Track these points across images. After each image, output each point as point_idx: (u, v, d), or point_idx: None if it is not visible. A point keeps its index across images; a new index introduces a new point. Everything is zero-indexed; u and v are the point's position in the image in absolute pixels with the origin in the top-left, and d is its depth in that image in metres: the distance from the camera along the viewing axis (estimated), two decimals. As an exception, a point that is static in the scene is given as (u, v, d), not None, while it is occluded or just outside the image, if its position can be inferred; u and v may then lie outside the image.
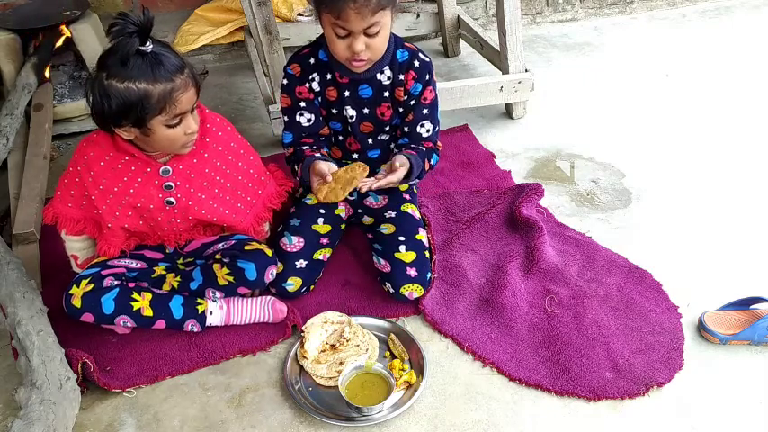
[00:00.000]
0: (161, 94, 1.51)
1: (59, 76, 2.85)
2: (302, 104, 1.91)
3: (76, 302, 1.69)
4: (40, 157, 2.37)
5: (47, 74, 2.72)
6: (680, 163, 2.49)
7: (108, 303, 1.70)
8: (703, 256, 2.03)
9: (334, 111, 1.93)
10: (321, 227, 1.97)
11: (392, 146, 2.03)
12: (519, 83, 2.66)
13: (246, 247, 1.81)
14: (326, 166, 1.79)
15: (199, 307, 1.79)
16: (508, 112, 2.81)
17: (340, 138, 2.02)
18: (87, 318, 1.71)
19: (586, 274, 1.97)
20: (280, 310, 1.81)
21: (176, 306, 1.78)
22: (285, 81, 1.91)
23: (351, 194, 2.06)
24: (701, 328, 1.77)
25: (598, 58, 3.34)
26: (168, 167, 1.70)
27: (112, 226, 1.72)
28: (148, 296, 1.76)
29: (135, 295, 1.74)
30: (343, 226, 2.07)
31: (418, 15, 3.30)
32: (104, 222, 1.72)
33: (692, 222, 2.18)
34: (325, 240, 1.96)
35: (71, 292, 1.70)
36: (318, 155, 1.88)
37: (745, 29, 3.57)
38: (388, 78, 1.87)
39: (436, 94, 1.95)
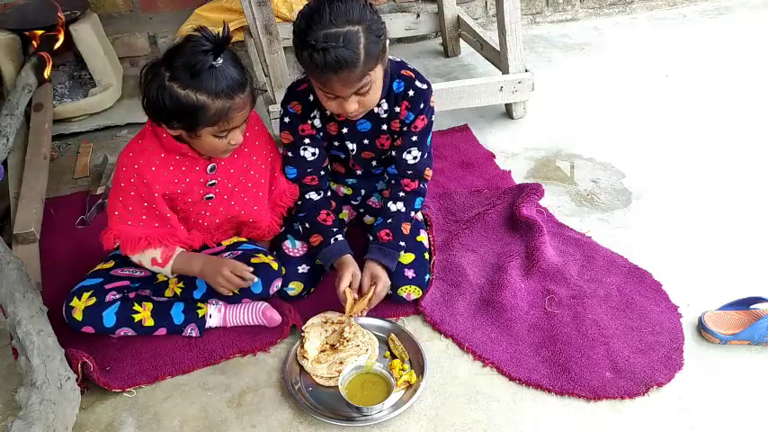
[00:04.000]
0: (218, 110, 1.53)
1: (59, 76, 2.86)
2: (306, 141, 1.87)
3: (77, 316, 1.69)
4: (40, 157, 2.37)
5: (47, 74, 2.72)
6: (680, 163, 2.49)
7: (109, 317, 1.71)
8: (703, 256, 2.03)
9: (336, 143, 1.92)
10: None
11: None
12: (519, 83, 2.66)
13: (253, 260, 1.79)
14: (354, 270, 1.80)
15: (199, 311, 1.80)
16: (508, 112, 2.81)
17: (341, 163, 2.02)
18: (87, 330, 1.71)
19: (586, 274, 1.97)
20: (272, 318, 1.80)
21: (177, 313, 1.78)
22: (287, 119, 1.85)
23: (355, 199, 2.07)
24: (701, 328, 1.77)
25: (598, 58, 3.34)
26: (214, 164, 1.72)
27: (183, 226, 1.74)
28: (149, 306, 1.76)
29: (136, 306, 1.74)
30: (345, 229, 2.07)
31: (418, 15, 3.30)
32: (176, 227, 1.72)
33: (692, 222, 2.18)
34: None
35: (72, 304, 1.70)
36: (341, 238, 1.86)
37: (745, 29, 3.57)
38: (385, 111, 1.83)
39: (430, 123, 1.88)
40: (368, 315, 1.83)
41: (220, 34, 1.51)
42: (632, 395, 1.62)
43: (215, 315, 1.81)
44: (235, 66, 1.55)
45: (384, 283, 1.81)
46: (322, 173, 1.92)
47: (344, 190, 2.08)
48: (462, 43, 3.29)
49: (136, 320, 1.73)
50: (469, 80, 2.67)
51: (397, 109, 1.83)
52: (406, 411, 1.59)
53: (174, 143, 1.64)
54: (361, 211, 2.08)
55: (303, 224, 1.90)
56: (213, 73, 1.50)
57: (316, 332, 1.77)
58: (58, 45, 2.75)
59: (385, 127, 1.87)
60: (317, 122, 1.86)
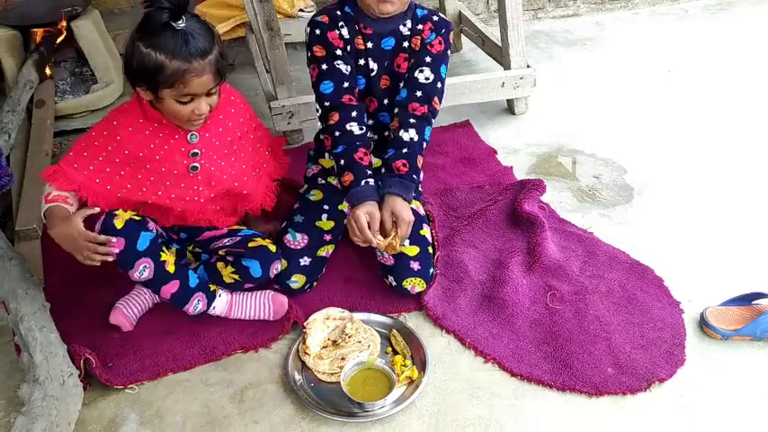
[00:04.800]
0: (174, 71, 1.55)
1: (61, 73, 2.86)
2: (338, 52, 1.85)
3: (118, 223, 1.65)
4: (42, 153, 2.37)
5: (48, 70, 2.72)
6: (682, 158, 2.49)
7: (144, 240, 1.68)
8: (705, 252, 2.03)
9: (361, 62, 1.91)
10: (325, 223, 1.97)
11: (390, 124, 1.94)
12: (521, 78, 2.66)
13: (250, 244, 1.82)
14: (379, 216, 1.73)
15: (211, 286, 1.82)
16: (510, 108, 2.81)
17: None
18: (117, 245, 1.64)
19: (588, 269, 1.97)
20: (281, 303, 1.82)
21: (193, 276, 1.80)
22: (317, 30, 1.84)
23: None
24: (703, 324, 1.77)
25: (600, 53, 3.33)
26: (195, 134, 1.73)
27: (115, 193, 1.69)
28: (173, 258, 1.77)
29: (164, 249, 1.75)
30: (345, 221, 2.07)
31: (420, 11, 3.29)
32: (110, 190, 1.69)
33: (693, 218, 2.18)
34: (328, 237, 1.96)
35: (117, 212, 1.67)
36: (372, 182, 1.76)
37: (747, 24, 3.56)
38: (409, 30, 1.89)
39: (447, 49, 1.91)
40: (369, 311, 1.84)
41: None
42: (634, 391, 1.62)
43: (222, 299, 1.82)
44: (201, 34, 1.58)
45: (408, 222, 1.75)
46: (356, 94, 1.90)
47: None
48: (464, 39, 3.29)
49: (161, 259, 1.72)
50: (471, 76, 2.67)
51: (420, 26, 1.89)
52: (408, 407, 1.60)
53: (152, 110, 1.67)
54: None
55: (339, 160, 1.80)
56: (174, 35, 1.54)
57: (318, 328, 1.77)
58: (59, 41, 2.75)
59: (406, 44, 1.90)
60: (345, 33, 1.86)
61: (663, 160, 2.48)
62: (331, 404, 1.61)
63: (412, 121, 1.85)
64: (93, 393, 1.66)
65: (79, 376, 1.61)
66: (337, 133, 1.82)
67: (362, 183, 1.75)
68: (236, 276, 1.82)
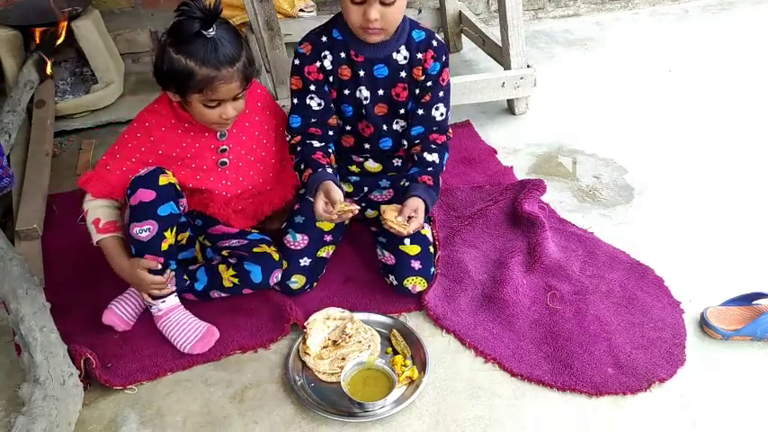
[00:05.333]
0: (203, 78, 1.61)
1: (61, 73, 2.86)
2: (312, 87, 1.86)
3: (163, 180, 1.67)
4: (42, 153, 2.38)
5: (48, 70, 2.72)
6: (682, 158, 2.49)
7: (167, 208, 1.68)
8: (705, 252, 2.03)
9: (347, 92, 1.89)
10: (325, 224, 1.96)
11: (404, 144, 1.97)
12: (521, 78, 2.66)
13: (255, 250, 1.83)
14: (338, 194, 1.73)
15: (185, 277, 1.84)
16: (510, 108, 2.81)
17: (350, 125, 1.97)
18: (146, 195, 1.65)
19: (588, 269, 1.97)
20: (207, 342, 1.75)
21: (173, 264, 1.77)
22: (296, 61, 1.87)
23: (356, 195, 2.06)
24: (703, 324, 1.77)
25: (600, 53, 3.33)
26: (224, 131, 1.79)
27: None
28: (173, 240, 1.74)
29: (174, 229, 1.73)
30: (346, 224, 2.08)
31: (420, 11, 3.29)
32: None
33: (694, 218, 2.18)
34: (328, 237, 1.96)
35: (166, 171, 1.69)
36: (330, 170, 1.79)
37: (748, 24, 3.56)
38: (405, 58, 1.85)
39: (449, 80, 1.92)
40: (370, 311, 1.84)
41: (210, 5, 1.61)
42: (634, 391, 1.62)
43: (171, 303, 1.78)
44: (230, 41, 1.64)
45: (420, 224, 1.77)
46: (328, 131, 1.90)
47: (346, 188, 2.08)
48: (464, 39, 3.29)
49: (164, 233, 1.69)
50: (471, 76, 2.66)
51: (420, 56, 1.85)
52: (408, 407, 1.60)
53: (182, 111, 1.72)
54: (363, 205, 2.08)
55: (299, 166, 1.84)
56: (205, 42, 1.60)
57: (318, 328, 1.77)
58: (59, 42, 2.75)
59: (404, 74, 1.87)
60: (328, 64, 1.84)
61: (663, 160, 2.48)
62: (331, 404, 1.60)
63: (434, 146, 1.91)
64: (94, 393, 1.66)
65: (79, 376, 1.61)
66: (298, 148, 1.88)
67: (318, 170, 1.78)
68: (236, 280, 1.81)
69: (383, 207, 1.80)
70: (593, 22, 3.66)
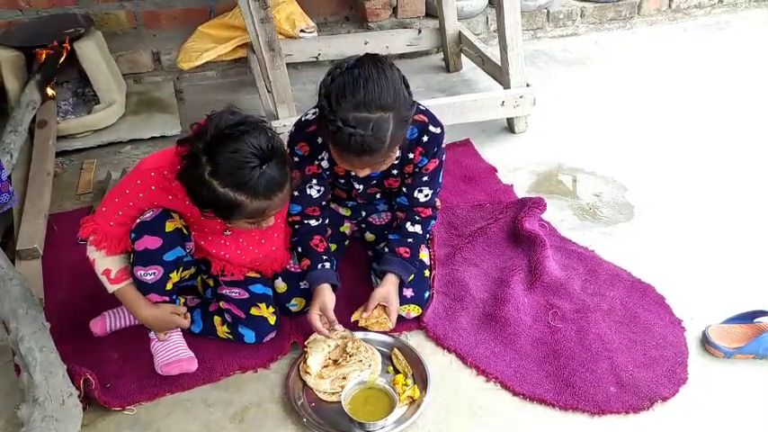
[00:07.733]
0: (256, 209, 1.52)
1: (63, 93, 2.87)
2: (313, 180, 1.85)
3: (169, 226, 1.64)
4: (44, 173, 2.38)
5: (50, 91, 2.74)
6: (682, 176, 2.49)
7: (174, 254, 1.66)
8: (707, 270, 2.03)
9: (342, 181, 1.92)
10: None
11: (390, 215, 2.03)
12: (520, 97, 2.67)
13: (253, 311, 1.79)
14: (331, 303, 1.77)
15: (180, 299, 1.83)
16: (510, 127, 2.82)
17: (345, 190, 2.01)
18: (152, 242, 1.62)
19: (589, 287, 1.96)
20: (184, 367, 1.73)
21: (177, 302, 1.79)
22: (296, 159, 1.82)
23: (354, 218, 2.07)
24: (705, 342, 1.76)
25: (599, 72, 3.35)
26: None
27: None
28: (177, 278, 1.73)
29: (180, 269, 1.71)
30: (346, 242, 2.08)
31: (420, 31, 3.32)
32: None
33: (694, 236, 2.18)
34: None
35: (173, 215, 1.65)
36: (328, 265, 1.83)
37: (745, 43, 3.59)
38: (397, 158, 1.80)
39: (441, 162, 1.88)
40: (370, 330, 1.83)
41: (268, 143, 1.49)
42: (637, 410, 1.61)
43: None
44: (278, 165, 1.52)
45: (395, 309, 1.83)
46: (323, 203, 1.92)
47: (344, 211, 2.09)
48: (464, 58, 3.31)
49: (170, 275, 1.68)
50: (471, 95, 2.68)
51: (411, 155, 1.82)
52: (410, 427, 1.59)
53: (191, 207, 1.61)
54: (363, 226, 2.08)
55: (296, 247, 1.89)
56: (258, 176, 1.48)
57: (318, 347, 1.76)
58: (61, 62, 2.77)
59: (395, 171, 1.87)
60: (325, 164, 1.84)
61: (663, 178, 2.48)
62: (332, 424, 1.60)
63: (417, 218, 1.92)
64: (93, 414, 1.65)
65: (79, 396, 1.60)
66: (296, 226, 1.89)
67: (318, 267, 1.82)
68: (230, 337, 1.81)
69: (358, 317, 1.83)
70: (591, 42, 3.68)
